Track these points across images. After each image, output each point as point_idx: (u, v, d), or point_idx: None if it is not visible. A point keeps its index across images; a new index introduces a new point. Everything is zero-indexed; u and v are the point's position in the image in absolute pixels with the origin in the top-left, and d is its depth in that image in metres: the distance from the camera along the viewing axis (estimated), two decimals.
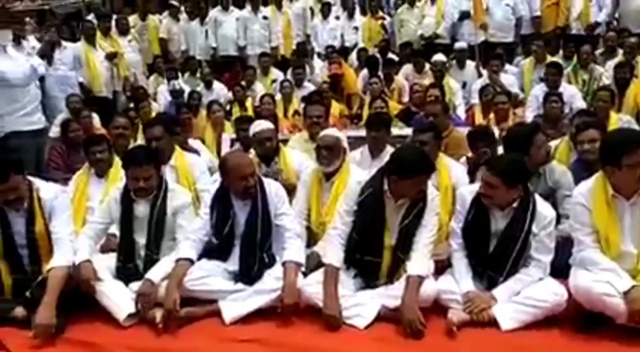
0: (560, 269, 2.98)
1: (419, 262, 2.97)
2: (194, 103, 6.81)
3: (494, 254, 2.96)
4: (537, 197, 2.99)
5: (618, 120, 4.99)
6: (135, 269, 3.21)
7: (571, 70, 6.59)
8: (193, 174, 4.01)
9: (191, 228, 3.22)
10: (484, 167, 3.04)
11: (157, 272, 3.08)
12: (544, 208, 2.95)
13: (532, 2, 7.69)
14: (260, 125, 4.13)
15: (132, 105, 6.85)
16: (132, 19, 8.59)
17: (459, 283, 2.97)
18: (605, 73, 6.35)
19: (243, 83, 7.43)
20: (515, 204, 2.92)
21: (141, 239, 3.24)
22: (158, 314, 2.95)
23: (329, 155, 3.64)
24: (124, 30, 8.01)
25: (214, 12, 8.58)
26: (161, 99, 7.49)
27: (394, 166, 3.00)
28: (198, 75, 8.01)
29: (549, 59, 6.87)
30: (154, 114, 6.64)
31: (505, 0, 7.63)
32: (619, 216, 2.78)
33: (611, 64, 6.42)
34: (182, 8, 9.01)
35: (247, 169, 3.15)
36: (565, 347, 2.71)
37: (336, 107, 6.89)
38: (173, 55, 8.83)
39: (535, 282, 2.90)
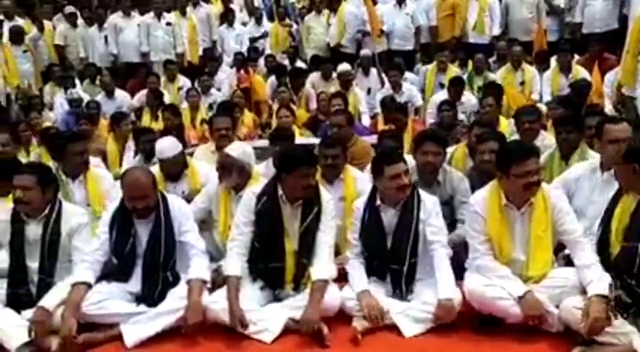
0: (457, 271, 3.11)
1: (321, 266, 3.04)
2: (92, 112, 6.52)
3: (392, 248, 3.11)
4: (419, 189, 3.21)
5: (508, 124, 5.29)
6: (28, 295, 3.03)
7: (467, 78, 6.94)
8: (103, 188, 3.85)
9: (88, 249, 3.08)
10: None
11: (51, 298, 2.93)
12: (426, 196, 3.19)
13: (430, 12, 8.01)
14: (164, 151, 3.96)
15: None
16: (23, 23, 8.08)
17: (353, 286, 3.06)
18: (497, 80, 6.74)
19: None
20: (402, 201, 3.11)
21: (33, 263, 3.06)
22: (54, 342, 2.81)
23: (226, 173, 3.60)
24: (18, 40, 7.58)
25: (114, 18, 8.25)
26: (58, 109, 7.12)
27: (279, 163, 3.14)
28: (97, 82, 7.68)
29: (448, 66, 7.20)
30: (49, 124, 6.34)
31: (405, 10, 7.91)
32: (510, 225, 2.96)
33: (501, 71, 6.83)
34: (79, 13, 8.59)
35: (138, 192, 3.03)
36: (464, 348, 2.83)
37: (249, 116, 6.84)
38: (70, 62, 8.41)
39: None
